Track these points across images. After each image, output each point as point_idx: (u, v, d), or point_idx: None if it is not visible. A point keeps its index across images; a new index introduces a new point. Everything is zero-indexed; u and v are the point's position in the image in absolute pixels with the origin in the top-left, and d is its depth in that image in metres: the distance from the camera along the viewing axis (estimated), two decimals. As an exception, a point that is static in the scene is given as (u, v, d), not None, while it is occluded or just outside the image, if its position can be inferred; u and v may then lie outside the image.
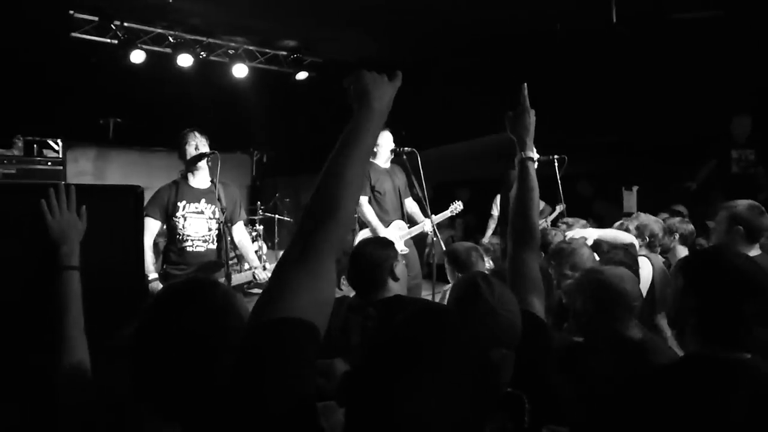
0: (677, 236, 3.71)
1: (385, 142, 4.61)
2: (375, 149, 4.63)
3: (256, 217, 7.31)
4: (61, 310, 1.50)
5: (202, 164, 3.55)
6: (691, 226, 3.76)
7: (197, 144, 3.55)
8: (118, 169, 7.50)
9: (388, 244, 2.49)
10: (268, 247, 7.31)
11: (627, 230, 3.48)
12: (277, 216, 7.54)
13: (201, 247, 3.54)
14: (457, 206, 4.91)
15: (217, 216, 3.53)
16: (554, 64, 6.01)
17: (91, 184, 6.40)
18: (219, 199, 3.39)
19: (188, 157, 3.55)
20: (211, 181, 3.48)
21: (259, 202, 7.61)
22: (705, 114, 5.66)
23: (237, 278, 3.65)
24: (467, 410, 0.82)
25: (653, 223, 3.46)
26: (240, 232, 3.78)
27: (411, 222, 4.72)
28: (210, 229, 3.56)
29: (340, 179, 0.98)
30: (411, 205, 4.82)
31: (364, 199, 4.50)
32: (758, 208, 2.85)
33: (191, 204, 3.54)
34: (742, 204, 2.87)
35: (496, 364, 1.49)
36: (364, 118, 1.06)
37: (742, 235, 2.78)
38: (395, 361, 0.82)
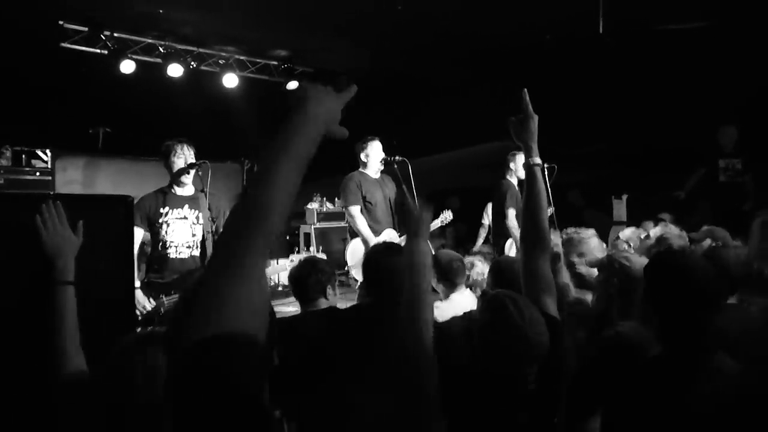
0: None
1: (376, 152, 4.62)
2: (364, 159, 4.64)
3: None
4: (57, 326, 1.50)
5: (188, 177, 3.54)
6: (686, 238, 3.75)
7: (186, 157, 3.53)
8: (108, 179, 7.44)
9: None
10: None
11: (648, 237, 3.46)
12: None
13: (184, 254, 3.51)
14: (446, 216, 4.93)
15: (201, 222, 3.52)
16: (544, 74, 6.07)
17: (80, 194, 6.36)
18: (209, 209, 3.38)
19: (175, 169, 3.53)
20: (201, 191, 3.47)
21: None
22: (692, 124, 5.72)
23: None
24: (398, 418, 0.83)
25: (675, 237, 3.38)
26: None
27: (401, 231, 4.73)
28: (194, 235, 3.54)
29: (267, 185, 0.93)
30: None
31: (356, 209, 4.50)
32: None
33: (174, 210, 3.52)
34: None
35: (526, 377, 1.60)
36: (296, 122, 0.99)
37: None
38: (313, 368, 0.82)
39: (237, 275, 0.88)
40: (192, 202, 3.53)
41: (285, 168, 0.95)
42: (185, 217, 3.54)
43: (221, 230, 0.94)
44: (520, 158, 4.87)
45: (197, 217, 3.54)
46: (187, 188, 3.58)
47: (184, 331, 0.86)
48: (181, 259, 3.50)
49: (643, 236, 3.50)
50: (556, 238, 3.09)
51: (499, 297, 1.69)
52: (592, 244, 2.95)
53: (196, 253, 3.55)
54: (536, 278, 1.84)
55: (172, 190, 3.56)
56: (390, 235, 4.61)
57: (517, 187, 5.21)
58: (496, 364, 1.63)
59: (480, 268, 3.51)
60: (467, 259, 3.49)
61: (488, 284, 2.94)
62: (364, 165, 4.64)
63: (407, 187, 4.47)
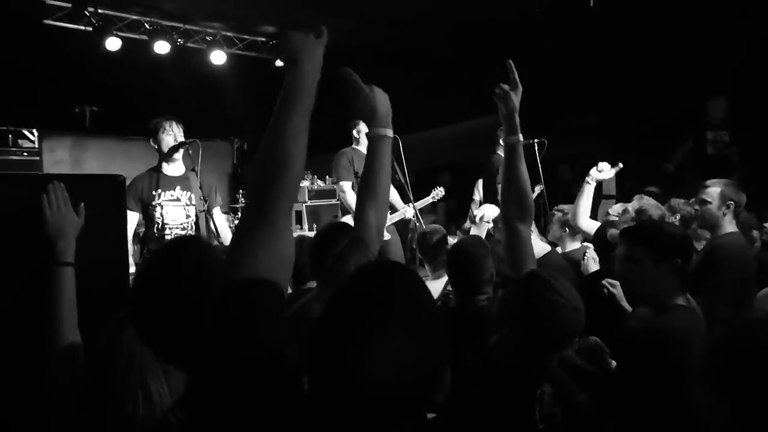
0: (678, 216, 3.63)
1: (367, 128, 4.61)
2: (356, 135, 4.64)
3: (238, 206, 7.26)
4: (55, 308, 1.49)
5: (178, 154, 3.52)
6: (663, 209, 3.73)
7: (175, 134, 3.51)
8: (96, 159, 7.38)
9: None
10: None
11: (627, 211, 3.45)
12: (259, 204, 7.47)
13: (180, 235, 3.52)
14: (438, 192, 4.96)
15: (194, 202, 3.52)
16: (534, 47, 6.04)
17: (71, 173, 6.30)
18: (200, 188, 3.37)
19: (165, 148, 3.51)
20: (192, 170, 3.46)
21: (241, 190, 7.56)
22: (681, 96, 5.73)
23: None
24: (424, 363, 0.86)
25: (653, 208, 3.36)
26: (218, 219, 3.76)
27: (391, 209, 4.74)
28: (188, 216, 3.55)
29: (285, 138, 1.03)
30: (391, 192, 4.83)
31: (347, 185, 4.51)
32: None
33: (167, 192, 3.52)
34: (726, 182, 3.02)
35: (565, 320, 1.57)
36: (297, 79, 1.11)
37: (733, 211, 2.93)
38: (349, 317, 0.86)
39: (272, 230, 0.97)
40: (183, 182, 3.53)
41: (295, 123, 1.05)
42: (178, 199, 3.53)
43: (249, 191, 1.07)
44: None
45: (190, 198, 3.54)
46: (177, 166, 3.56)
47: (225, 272, 0.96)
48: None
49: (621, 210, 3.49)
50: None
51: (537, 278, 1.64)
52: None
53: (191, 233, 3.55)
54: (521, 247, 1.84)
55: (163, 170, 3.55)
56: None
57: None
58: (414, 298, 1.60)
59: None
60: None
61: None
62: (357, 141, 4.64)
63: (398, 163, 4.47)
